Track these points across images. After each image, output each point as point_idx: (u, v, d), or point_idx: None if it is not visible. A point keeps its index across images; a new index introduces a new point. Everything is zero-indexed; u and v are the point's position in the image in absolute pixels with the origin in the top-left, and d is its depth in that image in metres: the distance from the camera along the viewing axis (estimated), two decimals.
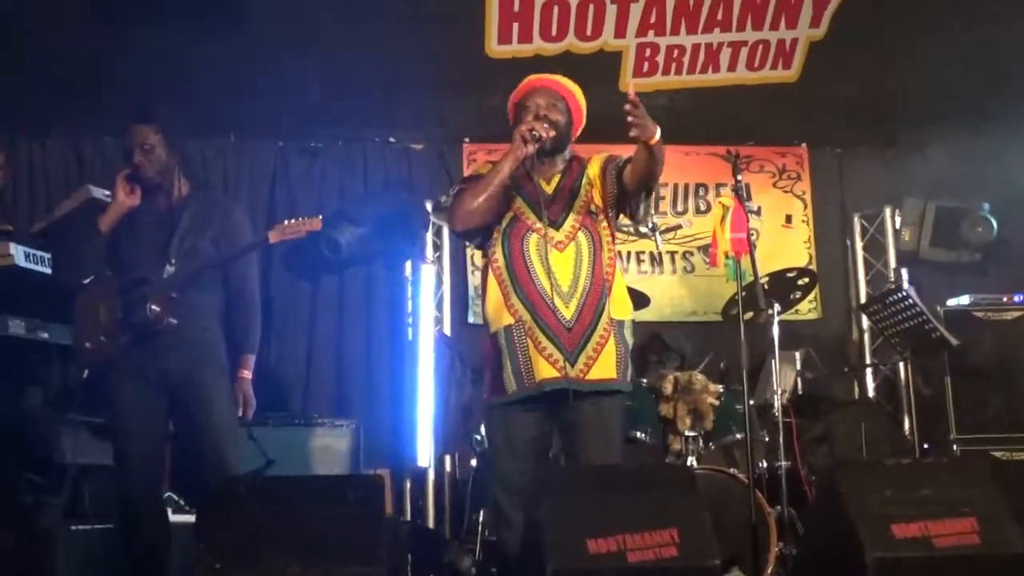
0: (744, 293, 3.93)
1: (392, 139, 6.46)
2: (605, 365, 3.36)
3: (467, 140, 6.50)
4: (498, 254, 3.43)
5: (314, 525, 2.96)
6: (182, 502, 4.59)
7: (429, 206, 6.22)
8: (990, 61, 5.58)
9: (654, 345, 5.40)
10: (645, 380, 5.10)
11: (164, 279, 3.77)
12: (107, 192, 4.41)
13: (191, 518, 4.35)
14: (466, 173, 6.43)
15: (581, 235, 3.45)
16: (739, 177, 3.76)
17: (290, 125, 6.18)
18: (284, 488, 3.21)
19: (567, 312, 3.34)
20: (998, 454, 5.30)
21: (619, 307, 3.49)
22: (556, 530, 2.87)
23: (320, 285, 6.19)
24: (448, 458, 5.92)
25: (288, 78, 5.54)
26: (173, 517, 4.13)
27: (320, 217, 3.87)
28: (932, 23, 5.47)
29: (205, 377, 3.78)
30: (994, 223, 6.31)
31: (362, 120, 6.23)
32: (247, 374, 3.93)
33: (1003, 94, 5.85)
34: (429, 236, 6.24)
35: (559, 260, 3.39)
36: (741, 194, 3.70)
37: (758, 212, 6.61)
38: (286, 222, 3.87)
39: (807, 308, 6.46)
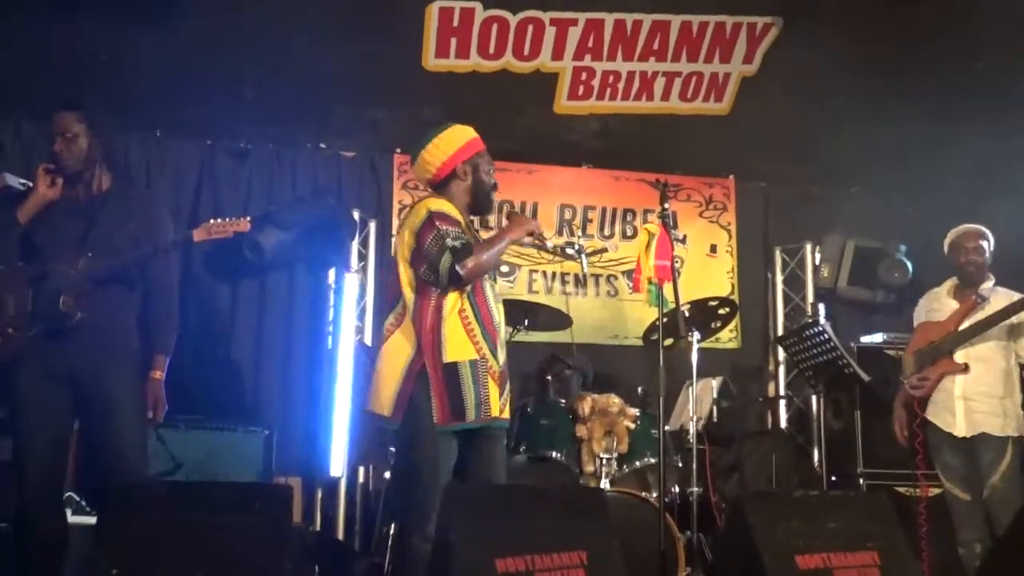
0: (665, 319, 3.98)
1: (323, 145, 6.40)
2: (509, 407, 3.65)
3: (399, 150, 6.47)
4: (466, 296, 3.50)
5: (218, 533, 2.90)
6: (83, 503, 4.46)
7: (356, 215, 6.17)
8: (903, 111, 5.75)
9: (553, 365, 5.42)
10: (564, 400, 5.13)
11: (79, 272, 3.66)
12: (23, 180, 4.28)
13: (92, 520, 4.22)
14: (396, 183, 6.44)
15: None
16: (666, 205, 3.82)
17: (219, 124, 6.08)
18: (189, 494, 3.15)
19: (502, 357, 3.59)
20: (902, 490, 5.41)
21: None
22: (465, 549, 2.86)
23: (240, 288, 6.09)
24: (362, 469, 5.85)
25: (220, 77, 5.46)
26: (72, 518, 4.01)
27: (248, 218, 3.80)
28: (861, 68, 5.62)
29: (114, 376, 3.68)
30: (910, 265, 6.48)
31: (294, 124, 6.16)
32: (159, 375, 3.83)
33: (924, 143, 6.03)
34: (355, 245, 6.18)
35: (500, 309, 3.64)
36: (667, 222, 3.75)
37: (683, 240, 6.71)
38: (212, 221, 3.79)
39: (727, 337, 6.57)
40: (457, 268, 3.36)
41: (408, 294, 3.49)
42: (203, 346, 5.90)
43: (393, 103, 5.99)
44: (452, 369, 3.41)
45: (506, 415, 3.59)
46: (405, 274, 3.51)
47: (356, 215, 6.20)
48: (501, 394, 3.52)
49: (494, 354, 3.51)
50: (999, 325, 4.52)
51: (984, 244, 4.68)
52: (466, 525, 2.89)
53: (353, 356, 5.91)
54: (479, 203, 3.69)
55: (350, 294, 6.04)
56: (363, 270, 6.23)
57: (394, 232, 6.40)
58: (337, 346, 5.91)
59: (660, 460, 4.01)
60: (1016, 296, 4.54)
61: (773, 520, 3.16)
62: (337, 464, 5.70)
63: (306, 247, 5.95)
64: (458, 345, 3.44)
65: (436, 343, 3.41)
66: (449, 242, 3.38)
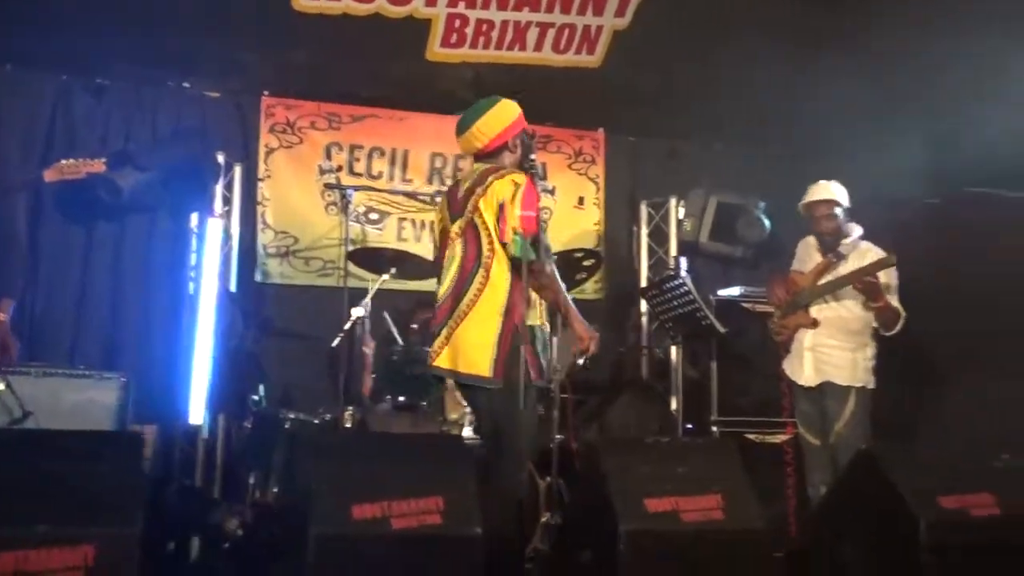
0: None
1: (187, 84, 6.18)
2: None
3: (267, 93, 6.32)
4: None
5: (67, 482, 2.83)
6: None
7: (221, 158, 6.00)
8: (783, 70, 5.88)
9: (417, 313, 5.46)
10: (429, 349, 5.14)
11: None
12: None
13: None
14: (263, 127, 6.29)
15: None
16: (533, 156, 3.83)
17: (76, 59, 5.80)
18: (37, 442, 3.06)
19: None
20: (752, 437, 5.67)
21: None
22: (322, 494, 2.86)
23: (97, 230, 5.86)
24: (223, 417, 5.76)
25: (76, 6, 5.20)
26: None
27: (104, 160, 3.67)
28: (731, 25, 5.72)
29: None
30: (767, 222, 6.69)
31: (156, 61, 5.91)
32: (3, 318, 3.68)
33: (790, 102, 6.20)
34: (219, 188, 6.01)
35: None
36: (535, 173, 3.77)
37: (552, 192, 6.77)
38: (64, 161, 3.64)
39: (592, 288, 6.69)
40: (538, 261, 3.62)
41: (490, 259, 3.69)
42: (55, 290, 5.68)
43: (261, 44, 5.82)
44: (531, 332, 3.76)
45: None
46: (487, 240, 3.70)
47: (221, 159, 6.03)
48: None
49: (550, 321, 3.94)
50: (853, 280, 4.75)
51: (836, 210, 4.89)
52: (322, 472, 2.89)
53: (216, 303, 5.78)
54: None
55: (213, 239, 5.88)
56: (227, 215, 6.07)
57: (261, 176, 6.29)
58: (199, 292, 5.76)
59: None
60: (876, 252, 4.77)
61: (625, 466, 3.28)
62: (197, 412, 5.59)
63: (167, 190, 5.77)
64: (533, 310, 3.80)
65: (520, 306, 3.66)
66: (543, 237, 3.69)
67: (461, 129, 3.89)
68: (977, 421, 5.44)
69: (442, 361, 3.72)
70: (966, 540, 3.48)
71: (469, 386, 3.72)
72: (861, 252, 4.84)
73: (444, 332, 3.72)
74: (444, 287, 3.80)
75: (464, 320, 3.68)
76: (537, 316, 3.89)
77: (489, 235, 3.70)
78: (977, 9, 4.99)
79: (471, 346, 3.66)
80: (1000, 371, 5.45)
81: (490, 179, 3.72)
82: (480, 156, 3.91)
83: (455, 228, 3.81)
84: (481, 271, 3.70)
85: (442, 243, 3.95)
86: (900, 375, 5.30)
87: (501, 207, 3.65)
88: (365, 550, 2.79)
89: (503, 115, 3.88)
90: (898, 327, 4.76)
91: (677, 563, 3.15)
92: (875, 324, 4.80)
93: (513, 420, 3.58)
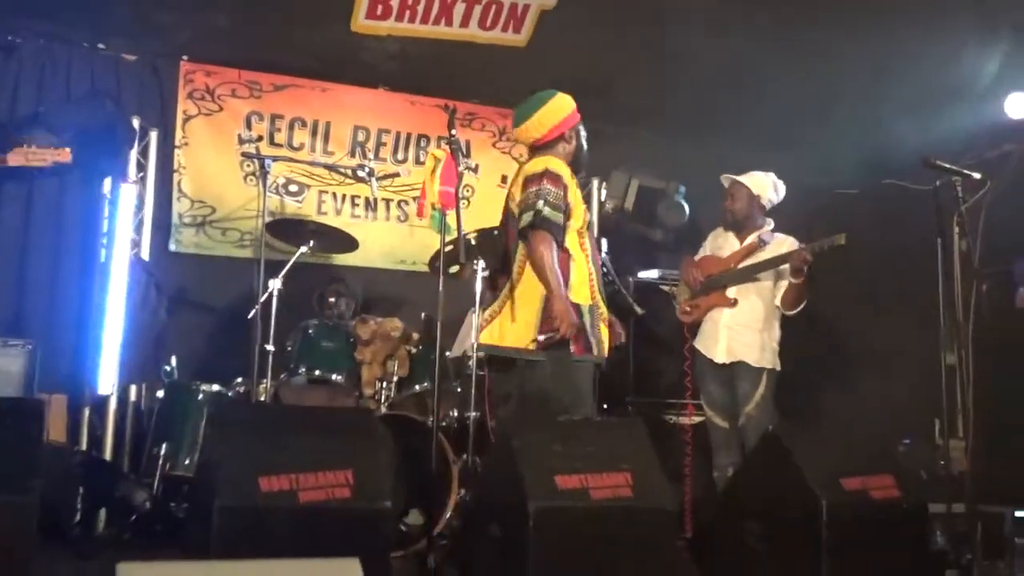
0: (450, 247, 4.02)
1: (102, 45, 6.00)
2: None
3: (185, 58, 6.17)
4: (579, 245, 4.00)
5: None
6: None
7: (136, 123, 5.84)
8: (710, 57, 5.94)
9: (332, 287, 5.42)
10: (346, 323, 5.11)
11: None
12: None
13: None
14: (182, 92, 6.14)
15: None
16: (453, 131, 3.83)
17: None
18: None
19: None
20: (667, 418, 5.74)
21: None
22: (229, 467, 2.82)
23: (2, 193, 5.65)
24: (134, 388, 5.63)
25: None
26: None
27: (69, 150, 3.54)
28: (657, 9, 5.75)
29: None
30: (686, 207, 6.77)
31: (70, 20, 5.72)
32: None
33: (715, 90, 6.27)
34: (133, 154, 5.85)
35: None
36: (455, 148, 3.76)
37: (476, 170, 6.74)
38: (29, 147, 3.51)
39: None
40: (533, 230, 3.79)
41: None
42: None
43: (179, 6, 5.68)
44: (576, 309, 3.87)
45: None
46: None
47: (136, 123, 5.87)
48: (608, 336, 4.02)
49: (604, 300, 4.04)
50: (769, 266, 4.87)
51: (744, 194, 5.00)
52: (230, 444, 2.85)
53: (128, 271, 5.64)
54: (578, 163, 4.16)
55: (126, 206, 5.74)
56: (142, 181, 5.91)
57: (179, 143, 6.15)
58: (111, 260, 5.62)
59: (435, 384, 4.08)
60: (790, 243, 4.88)
61: (536, 444, 3.30)
62: (107, 382, 5.46)
63: (79, 153, 5.58)
64: (579, 288, 3.90)
65: (565, 283, 3.83)
66: (541, 205, 3.80)
67: (519, 120, 4.11)
68: (881, 406, 5.61)
69: (485, 337, 3.99)
70: (866, 520, 3.58)
71: (510, 359, 3.93)
72: (779, 242, 4.96)
73: (490, 311, 4.03)
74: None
75: (511, 298, 3.95)
76: (585, 295, 4.00)
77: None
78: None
79: (511, 320, 3.91)
80: (903, 358, 5.62)
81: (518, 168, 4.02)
82: (536, 147, 4.08)
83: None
84: (522, 249, 3.92)
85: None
86: (806, 360, 5.44)
87: (524, 184, 3.90)
88: (271, 523, 2.76)
89: (560, 107, 4.10)
90: (799, 308, 4.90)
91: (586, 540, 3.18)
92: (779, 304, 4.91)
93: (548, 393, 3.83)
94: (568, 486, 3.14)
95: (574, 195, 4.00)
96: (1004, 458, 4.52)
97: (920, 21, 5.25)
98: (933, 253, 4.25)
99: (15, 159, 3.52)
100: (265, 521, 2.79)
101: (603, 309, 4.06)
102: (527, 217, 3.82)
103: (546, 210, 3.81)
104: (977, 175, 4.20)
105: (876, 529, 3.61)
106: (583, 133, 4.20)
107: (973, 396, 4.18)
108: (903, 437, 5.46)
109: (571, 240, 3.98)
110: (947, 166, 4.07)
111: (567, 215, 3.92)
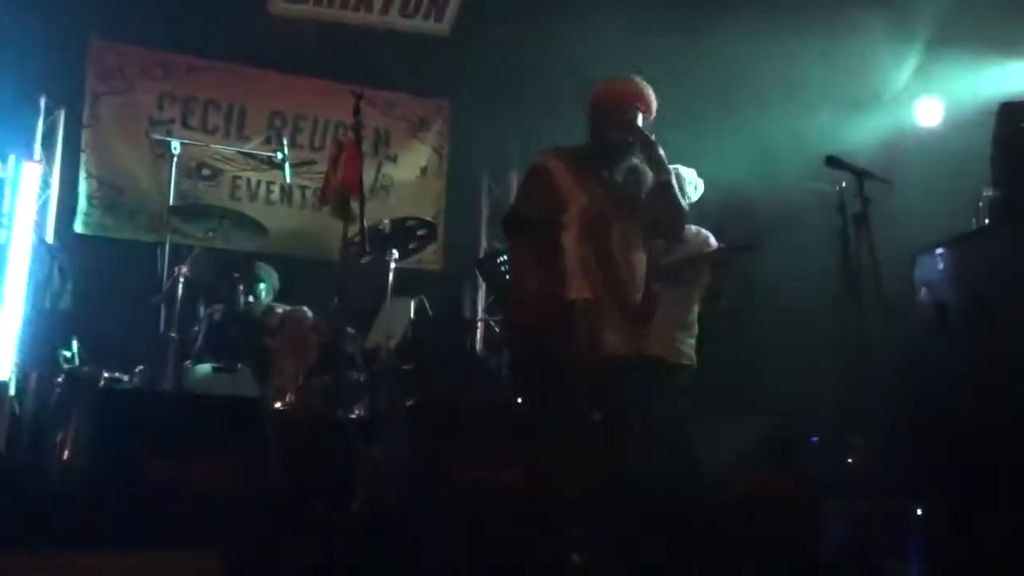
0: (358, 238, 3.97)
1: (7, 18, 5.78)
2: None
3: (97, 36, 5.99)
4: (585, 242, 3.66)
5: None
6: None
7: (42, 101, 5.66)
8: (630, 50, 5.95)
9: (240, 274, 5.32)
10: (253, 310, 5.03)
11: None
12: None
13: None
14: (90, 71, 5.97)
15: None
16: (359, 117, 3.77)
17: None
18: None
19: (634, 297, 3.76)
20: None
21: None
22: (113, 454, 2.76)
23: None
24: (35, 374, 5.46)
25: None
26: None
27: None
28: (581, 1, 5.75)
29: None
30: None
31: None
32: None
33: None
34: (38, 131, 5.67)
35: (636, 257, 3.81)
36: (360, 135, 3.71)
37: (394, 160, 6.68)
38: None
39: (430, 259, 6.64)
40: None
41: None
42: None
43: None
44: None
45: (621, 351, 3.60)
46: None
47: (42, 101, 5.69)
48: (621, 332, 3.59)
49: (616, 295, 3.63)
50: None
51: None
52: (115, 431, 2.78)
53: (30, 254, 5.47)
54: None
55: (29, 186, 5.56)
56: (47, 160, 5.74)
57: (86, 123, 5.97)
58: (10, 241, 5.44)
59: (341, 374, 4.03)
60: (712, 240, 4.92)
61: (439, 433, 3.28)
62: (4, 369, 5.29)
63: None
64: (576, 283, 3.56)
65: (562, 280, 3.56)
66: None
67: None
68: (794, 398, 5.68)
69: None
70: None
71: None
72: (700, 240, 4.98)
73: None
74: None
75: None
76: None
77: None
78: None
79: None
80: (815, 351, 5.71)
81: None
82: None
83: None
84: None
85: None
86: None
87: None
88: (156, 509, 2.70)
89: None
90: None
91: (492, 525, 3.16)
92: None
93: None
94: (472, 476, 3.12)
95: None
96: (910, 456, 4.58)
97: (831, 24, 5.33)
98: (838, 254, 4.31)
99: None
100: (150, 507, 2.72)
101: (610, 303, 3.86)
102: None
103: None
104: (881, 176, 4.25)
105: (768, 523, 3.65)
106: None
107: (879, 395, 4.24)
108: (811, 435, 5.55)
109: (567, 240, 3.76)
110: (851, 164, 4.11)
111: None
